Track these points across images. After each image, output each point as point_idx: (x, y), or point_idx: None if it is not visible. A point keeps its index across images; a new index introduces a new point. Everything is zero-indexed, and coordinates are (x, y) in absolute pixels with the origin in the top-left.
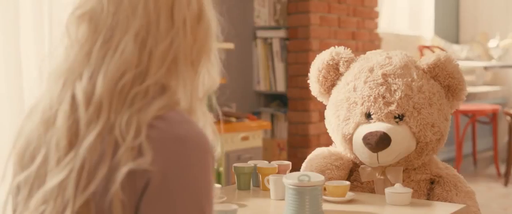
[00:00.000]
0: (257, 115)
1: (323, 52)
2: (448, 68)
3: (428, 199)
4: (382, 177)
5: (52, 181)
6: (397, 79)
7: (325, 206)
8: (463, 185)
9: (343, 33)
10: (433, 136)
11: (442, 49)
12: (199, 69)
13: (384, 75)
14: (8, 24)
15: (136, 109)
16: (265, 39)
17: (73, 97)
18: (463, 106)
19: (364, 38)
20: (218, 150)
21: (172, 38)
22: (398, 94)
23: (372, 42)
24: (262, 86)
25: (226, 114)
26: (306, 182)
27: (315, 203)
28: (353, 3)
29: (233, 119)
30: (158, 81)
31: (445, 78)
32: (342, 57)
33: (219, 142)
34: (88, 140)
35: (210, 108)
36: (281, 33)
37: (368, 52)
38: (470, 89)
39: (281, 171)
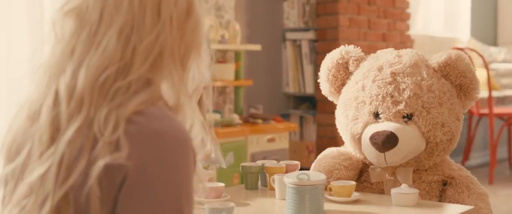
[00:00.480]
0: (286, 117)
1: (333, 51)
2: (460, 67)
3: (440, 201)
4: (392, 178)
5: (34, 174)
6: (406, 78)
7: (330, 206)
8: (476, 187)
9: (373, 35)
10: (443, 136)
11: (477, 52)
12: (188, 65)
13: (393, 74)
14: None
15: (116, 104)
16: (294, 41)
17: (57, 92)
18: (499, 109)
19: (395, 40)
20: (208, 148)
21: (157, 34)
22: (406, 94)
23: (404, 44)
24: (291, 88)
25: (252, 116)
26: (305, 181)
27: (316, 203)
28: (383, 5)
29: (259, 121)
30: (142, 76)
31: (456, 77)
32: (351, 56)
33: (209, 139)
34: (67, 134)
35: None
36: (310, 34)
37: (378, 51)
38: (506, 92)
39: (289, 170)
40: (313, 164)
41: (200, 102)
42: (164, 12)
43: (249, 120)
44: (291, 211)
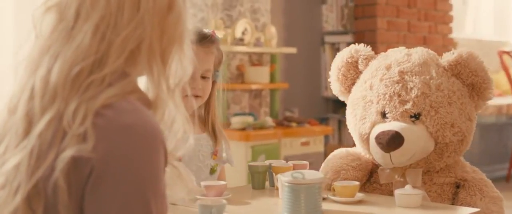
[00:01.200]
0: (325, 120)
1: (343, 50)
2: (471, 65)
3: (453, 203)
4: (401, 179)
5: (7, 165)
6: (414, 77)
7: (332, 206)
8: (490, 190)
9: (413, 38)
10: (453, 137)
11: None
12: (170, 59)
13: (401, 73)
14: None
15: (87, 97)
16: (332, 45)
17: (33, 86)
18: None
19: (436, 43)
20: (190, 143)
21: (135, 27)
22: (414, 93)
23: (446, 47)
24: (330, 92)
25: (287, 119)
26: (300, 179)
27: (312, 202)
28: (424, 7)
29: (294, 124)
30: (117, 70)
31: (468, 77)
32: (361, 55)
33: (191, 134)
34: (38, 127)
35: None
36: (348, 38)
37: (389, 50)
38: None
39: (296, 168)
40: (322, 164)
41: (209, 102)
42: (143, 6)
43: (283, 123)
44: (286, 210)
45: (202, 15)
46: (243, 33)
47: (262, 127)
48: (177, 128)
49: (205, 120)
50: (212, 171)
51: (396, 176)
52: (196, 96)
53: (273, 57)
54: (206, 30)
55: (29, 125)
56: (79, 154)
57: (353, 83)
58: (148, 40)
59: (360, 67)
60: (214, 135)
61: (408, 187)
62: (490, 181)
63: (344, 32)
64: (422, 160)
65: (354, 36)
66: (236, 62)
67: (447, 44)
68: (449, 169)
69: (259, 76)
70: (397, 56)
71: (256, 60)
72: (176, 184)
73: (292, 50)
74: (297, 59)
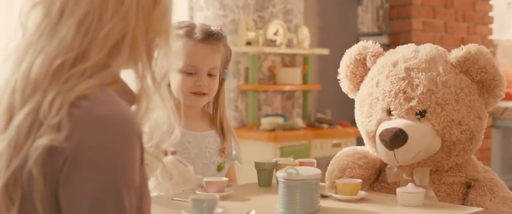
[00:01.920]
0: None
1: (352, 47)
2: (480, 62)
3: (463, 204)
4: (409, 178)
5: None
6: (420, 74)
7: (333, 204)
8: (501, 190)
9: (450, 39)
10: (460, 135)
11: None
12: (155, 53)
13: (407, 69)
14: None
15: (65, 89)
16: None
17: (16, 81)
18: None
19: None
20: (176, 135)
21: (119, 22)
22: (420, 90)
23: None
24: None
25: (318, 120)
26: (294, 175)
27: (307, 198)
28: (462, 8)
29: (325, 125)
30: (99, 63)
31: (476, 73)
32: (369, 52)
33: (178, 127)
34: (17, 118)
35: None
36: (384, 39)
37: (398, 47)
38: None
39: (303, 165)
40: (330, 163)
41: (217, 99)
42: (127, 0)
43: (314, 124)
44: (282, 206)
45: (233, 17)
46: (274, 34)
47: (292, 128)
48: (163, 121)
49: (213, 117)
50: (220, 168)
51: (404, 175)
52: (203, 94)
53: (305, 58)
54: (213, 28)
55: (10, 117)
56: (53, 143)
57: (361, 81)
58: (132, 34)
59: (368, 64)
60: (222, 132)
61: (410, 185)
62: (502, 181)
63: (379, 34)
64: (429, 159)
65: (389, 37)
66: (267, 63)
67: (487, 45)
68: (459, 168)
69: (291, 78)
70: (404, 53)
71: (288, 61)
72: (169, 177)
73: (325, 51)
74: (330, 61)
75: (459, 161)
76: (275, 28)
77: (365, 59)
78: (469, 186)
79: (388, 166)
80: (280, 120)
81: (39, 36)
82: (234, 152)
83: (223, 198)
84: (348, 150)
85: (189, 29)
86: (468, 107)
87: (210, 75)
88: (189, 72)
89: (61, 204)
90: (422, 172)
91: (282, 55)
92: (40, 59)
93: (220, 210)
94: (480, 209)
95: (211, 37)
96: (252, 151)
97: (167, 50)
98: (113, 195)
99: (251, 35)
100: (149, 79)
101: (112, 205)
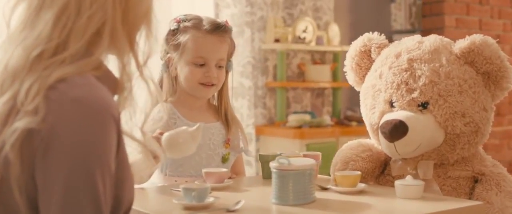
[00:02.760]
0: None
1: (358, 39)
2: (485, 52)
3: (470, 199)
4: (414, 172)
5: None
6: (423, 65)
7: (330, 196)
8: (508, 185)
9: None
10: (464, 127)
11: None
12: (137, 38)
13: (410, 61)
14: None
15: (43, 75)
16: None
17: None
18: None
19: None
20: (164, 119)
21: (97, 11)
22: (422, 81)
23: None
24: None
25: (347, 118)
26: (285, 165)
27: (300, 188)
28: (497, 4)
29: (354, 123)
30: (79, 51)
31: (482, 64)
32: (373, 43)
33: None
34: None
35: None
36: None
37: (404, 38)
38: None
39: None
40: (335, 155)
41: (221, 91)
42: None
43: (343, 122)
44: (274, 196)
45: (261, 14)
46: (304, 31)
47: (319, 125)
48: (147, 105)
49: (218, 109)
50: (224, 159)
51: (409, 168)
52: (211, 85)
53: (335, 55)
54: (219, 20)
55: None
56: (30, 126)
57: (367, 73)
58: (111, 21)
59: (373, 55)
60: (227, 124)
61: (409, 178)
62: (510, 176)
63: (412, 31)
64: (434, 152)
65: (422, 34)
66: (297, 60)
67: None
68: (465, 162)
69: (321, 75)
70: (408, 44)
71: (318, 59)
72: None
73: None
74: None
75: (464, 154)
76: (304, 26)
77: (370, 51)
78: (476, 181)
79: (392, 159)
80: (307, 117)
81: (20, 30)
82: (241, 145)
83: (222, 189)
84: (353, 143)
85: (197, 22)
86: (472, 98)
87: (218, 66)
88: (198, 63)
89: (37, 185)
90: (425, 165)
91: (311, 53)
92: (19, 51)
93: (211, 199)
94: (478, 202)
95: (219, 29)
96: (277, 148)
97: (149, 34)
98: (85, 176)
99: (280, 32)
100: (132, 65)
101: (84, 187)
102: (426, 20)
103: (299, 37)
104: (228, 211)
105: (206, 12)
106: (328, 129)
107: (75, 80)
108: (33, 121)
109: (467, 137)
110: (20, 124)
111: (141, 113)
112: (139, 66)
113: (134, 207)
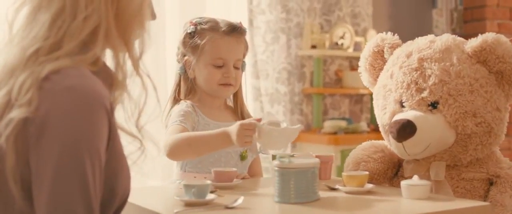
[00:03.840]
0: None
1: (371, 39)
2: (498, 51)
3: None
4: (427, 173)
5: None
6: (433, 64)
7: (336, 195)
8: None
9: None
10: (476, 127)
11: None
12: (132, 37)
13: (420, 60)
14: None
15: (37, 70)
16: None
17: None
18: None
19: None
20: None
21: (91, 13)
22: (432, 80)
23: None
24: None
25: None
26: (286, 163)
27: (302, 187)
28: None
29: None
30: (74, 50)
31: (494, 63)
32: (386, 43)
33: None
34: None
35: None
36: None
37: (417, 37)
38: None
39: (322, 161)
40: (348, 156)
41: (237, 90)
42: None
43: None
44: (276, 193)
45: (297, 20)
46: (341, 37)
47: (354, 132)
48: (143, 99)
49: (235, 109)
50: (243, 157)
51: (421, 169)
52: (229, 85)
53: None
54: (235, 22)
55: None
56: (24, 115)
57: (381, 73)
58: (105, 21)
59: (386, 56)
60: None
61: (415, 178)
62: None
63: None
64: (446, 153)
65: None
66: (334, 67)
67: None
68: (480, 164)
69: (359, 82)
70: (420, 43)
71: (356, 65)
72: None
73: None
74: None
75: (478, 155)
76: (342, 32)
77: (383, 51)
78: (491, 183)
79: (405, 160)
80: (342, 123)
81: (20, 31)
82: (258, 145)
83: (230, 187)
84: (366, 144)
85: (213, 24)
86: (484, 98)
87: (234, 67)
88: (217, 65)
89: (31, 170)
90: (437, 166)
91: (349, 59)
92: (17, 50)
93: (212, 196)
94: (484, 203)
95: (236, 30)
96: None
97: (142, 32)
98: (74, 161)
99: (316, 38)
100: (127, 62)
101: (73, 172)
102: (468, 25)
103: (336, 43)
104: (227, 207)
105: (240, 18)
106: (363, 135)
107: (69, 72)
108: (27, 111)
109: (480, 138)
110: (14, 114)
111: (136, 107)
112: (134, 64)
113: (135, 202)
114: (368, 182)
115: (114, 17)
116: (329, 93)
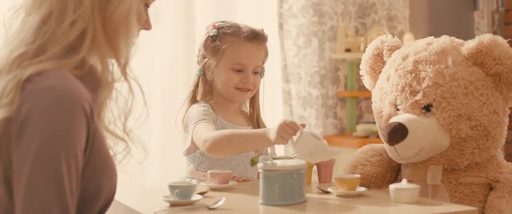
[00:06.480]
0: None
1: (372, 42)
2: (494, 53)
3: (483, 207)
4: (424, 177)
5: None
6: (427, 66)
7: (325, 198)
8: None
9: None
10: (470, 131)
11: None
12: (119, 42)
13: (415, 62)
14: None
15: (20, 73)
16: None
17: None
18: None
19: None
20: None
21: (78, 19)
22: (425, 83)
23: None
24: None
25: None
26: (269, 166)
27: (287, 189)
28: None
29: None
30: (58, 55)
31: (491, 66)
32: (385, 46)
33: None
34: None
35: None
36: None
37: (418, 40)
38: None
39: (322, 166)
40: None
41: (254, 96)
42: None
43: None
44: (261, 196)
45: (331, 24)
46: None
47: None
48: (129, 104)
49: (250, 115)
50: (253, 162)
51: (419, 173)
52: (248, 90)
53: None
54: (257, 29)
55: None
56: (6, 115)
57: None
58: (92, 27)
59: (385, 58)
60: (257, 129)
61: (404, 182)
62: None
63: None
64: (442, 157)
65: None
66: None
67: None
68: (479, 168)
69: None
70: (417, 45)
71: None
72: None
73: None
74: None
75: (476, 159)
76: (377, 35)
77: (382, 53)
78: (491, 188)
79: (403, 164)
80: (374, 127)
81: (10, 36)
82: (269, 150)
83: (225, 189)
84: (365, 147)
85: (236, 29)
86: (479, 101)
87: (253, 72)
88: (237, 69)
89: (12, 168)
90: (433, 170)
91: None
92: (5, 52)
93: (197, 197)
94: (472, 208)
95: (257, 37)
96: (342, 158)
97: (128, 38)
98: (49, 159)
99: (351, 42)
100: (114, 67)
101: (48, 169)
102: (509, 27)
103: None
104: (209, 208)
105: (269, 22)
106: None
107: (51, 73)
108: (9, 110)
109: (476, 141)
110: None
111: (121, 113)
112: (120, 68)
113: (120, 200)
114: (365, 186)
115: (100, 23)
116: (364, 97)
